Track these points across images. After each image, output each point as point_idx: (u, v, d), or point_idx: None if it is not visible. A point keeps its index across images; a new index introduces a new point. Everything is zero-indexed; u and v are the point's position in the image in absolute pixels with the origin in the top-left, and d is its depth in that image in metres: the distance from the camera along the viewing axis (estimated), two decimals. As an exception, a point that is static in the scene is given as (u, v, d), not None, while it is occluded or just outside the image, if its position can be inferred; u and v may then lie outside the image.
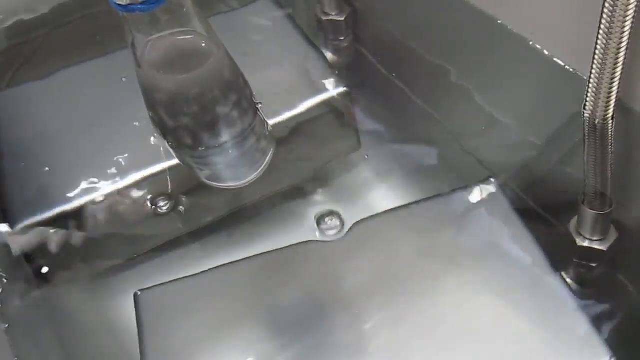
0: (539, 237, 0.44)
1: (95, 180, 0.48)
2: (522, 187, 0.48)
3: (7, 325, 0.41)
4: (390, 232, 0.45)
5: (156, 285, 0.44)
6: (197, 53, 0.39)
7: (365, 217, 0.46)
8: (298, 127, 0.51)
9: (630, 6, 0.34)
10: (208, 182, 0.47)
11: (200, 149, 0.41)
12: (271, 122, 0.50)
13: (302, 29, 0.58)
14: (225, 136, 0.41)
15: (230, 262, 0.44)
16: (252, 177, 0.45)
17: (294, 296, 0.42)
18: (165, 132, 0.42)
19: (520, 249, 0.43)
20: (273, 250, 0.45)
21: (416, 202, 0.47)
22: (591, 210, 0.42)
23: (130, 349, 0.42)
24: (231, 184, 0.47)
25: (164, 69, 0.38)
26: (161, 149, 0.48)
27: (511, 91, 0.49)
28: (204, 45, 0.39)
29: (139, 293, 0.43)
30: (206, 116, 0.40)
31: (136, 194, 0.48)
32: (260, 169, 0.45)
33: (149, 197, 0.48)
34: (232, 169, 0.45)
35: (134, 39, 0.38)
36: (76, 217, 0.47)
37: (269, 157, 0.46)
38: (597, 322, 0.40)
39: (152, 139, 0.48)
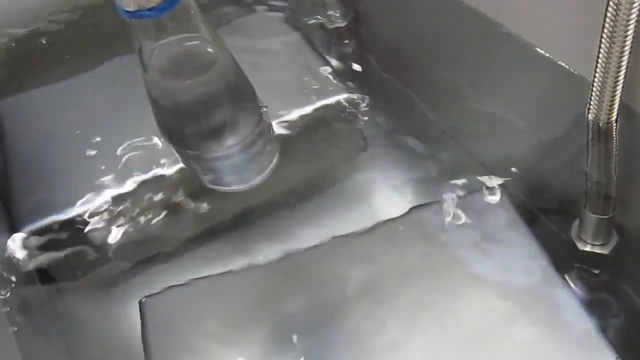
0: (542, 241, 0.44)
1: (101, 185, 0.48)
2: (525, 191, 0.48)
3: (15, 329, 0.41)
4: (395, 237, 0.45)
5: (161, 292, 0.44)
6: (203, 58, 0.39)
7: (372, 224, 0.46)
8: (303, 132, 0.51)
9: (633, 10, 0.34)
10: (213, 186, 0.47)
11: (206, 153, 0.41)
12: (276, 126, 0.50)
13: (306, 35, 0.58)
14: (231, 140, 0.41)
15: (236, 270, 0.45)
16: (257, 180, 0.45)
17: (299, 303, 0.42)
18: (171, 136, 0.42)
19: (524, 252, 0.43)
20: (279, 258, 0.45)
21: (420, 207, 0.47)
22: (594, 215, 0.42)
23: (136, 354, 0.42)
24: (236, 189, 0.47)
25: (171, 75, 0.39)
26: (167, 153, 0.48)
27: (515, 95, 0.49)
28: (210, 50, 0.39)
29: (144, 300, 0.44)
30: (212, 121, 0.40)
31: (142, 198, 0.48)
32: (265, 173, 0.45)
33: (154, 201, 0.48)
34: (237, 173, 0.45)
35: (141, 45, 0.38)
36: (82, 221, 0.47)
37: (274, 161, 0.46)
38: (601, 325, 0.40)
39: (158, 143, 0.48)
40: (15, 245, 0.46)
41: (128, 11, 0.34)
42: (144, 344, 0.42)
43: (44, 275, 0.47)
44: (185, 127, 0.40)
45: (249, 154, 0.43)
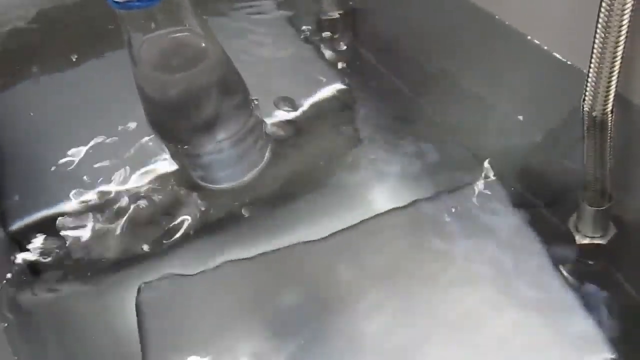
0: (538, 233, 0.43)
1: (93, 180, 0.48)
2: (521, 183, 0.48)
3: (6, 325, 0.41)
4: (391, 231, 0.45)
5: (156, 281, 0.44)
6: (193, 51, 0.39)
7: (366, 218, 0.46)
8: (297, 126, 0.51)
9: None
10: (203, 182, 0.47)
11: (196, 148, 0.41)
12: (269, 121, 0.50)
13: (300, 28, 0.58)
14: (222, 135, 0.40)
15: (232, 260, 0.44)
16: (248, 177, 0.45)
17: (295, 295, 0.42)
18: (161, 131, 0.41)
19: (521, 245, 0.43)
20: (275, 250, 0.45)
21: (416, 201, 0.47)
22: (590, 207, 0.42)
23: (131, 347, 0.42)
24: (226, 185, 0.46)
25: (160, 68, 0.38)
26: (158, 148, 0.48)
27: (510, 87, 0.49)
28: (200, 43, 0.39)
29: (143, 285, 0.43)
30: (202, 115, 0.40)
31: (134, 193, 0.48)
32: (257, 170, 0.45)
33: (147, 196, 0.48)
34: (228, 169, 0.45)
35: (130, 38, 0.37)
36: (74, 217, 0.47)
37: (266, 157, 0.46)
38: (598, 318, 0.40)
39: (149, 138, 0.48)
40: (6, 240, 0.46)
41: (117, 2, 0.34)
42: (139, 334, 0.41)
43: (36, 270, 0.47)
44: (175, 121, 0.40)
45: (239, 149, 0.43)
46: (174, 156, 0.46)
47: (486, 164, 0.48)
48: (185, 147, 0.41)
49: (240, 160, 0.43)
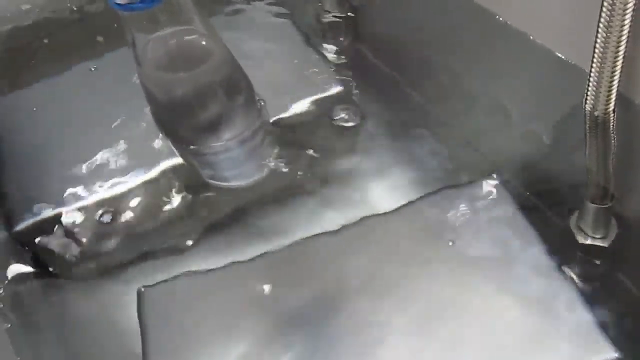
0: (541, 232, 0.43)
1: (96, 180, 0.48)
2: (523, 183, 0.48)
3: (9, 325, 0.41)
4: (394, 229, 0.45)
5: (159, 282, 0.44)
6: (198, 51, 0.39)
7: (370, 215, 0.46)
8: (299, 126, 0.51)
9: (630, -1, 0.34)
10: (211, 181, 0.47)
11: (203, 147, 0.41)
12: (272, 121, 0.50)
13: (302, 28, 0.58)
14: (228, 134, 0.41)
15: (235, 262, 0.44)
16: (257, 175, 0.45)
17: (298, 295, 0.42)
18: (167, 130, 0.42)
19: (524, 244, 0.43)
20: (277, 249, 0.45)
21: (418, 200, 0.47)
22: (593, 204, 0.42)
23: (134, 348, 0.42)
24: (234, 183, 0.46)
25: (165, 68, 0.38)
26: (165, 148, 0.48)
27: (512, 87, 0.49)
28: (204, 43, 0.39)
29: (143, 289, 0.43)
30: (208, 114, 0.40)
31: (139, 193, 0.48)
32: (265, 168, 0.45)
33: (151, 196, 0.48)
34: (236, 168, 0.45)
35: (134, 39, 0.38)
36: (77, 218, 0.47)
37: (272, 156, 0.46)
38: (601, 318, 0.40)
39: (155, 138, 0.48)
40: (9, 241, 0.46)
41: (118, 4, 0.34)
42: (141, 334, 0.42)
43: (39, 270, 0.47)
44: (182, 120, 0.40)
45: (247, 148, 0.43)
46: (182, 155, 0.46)
47: (489, 165, 0.48)
48: (193, 146, 0.41)
49: (249, 159, 0.43)
